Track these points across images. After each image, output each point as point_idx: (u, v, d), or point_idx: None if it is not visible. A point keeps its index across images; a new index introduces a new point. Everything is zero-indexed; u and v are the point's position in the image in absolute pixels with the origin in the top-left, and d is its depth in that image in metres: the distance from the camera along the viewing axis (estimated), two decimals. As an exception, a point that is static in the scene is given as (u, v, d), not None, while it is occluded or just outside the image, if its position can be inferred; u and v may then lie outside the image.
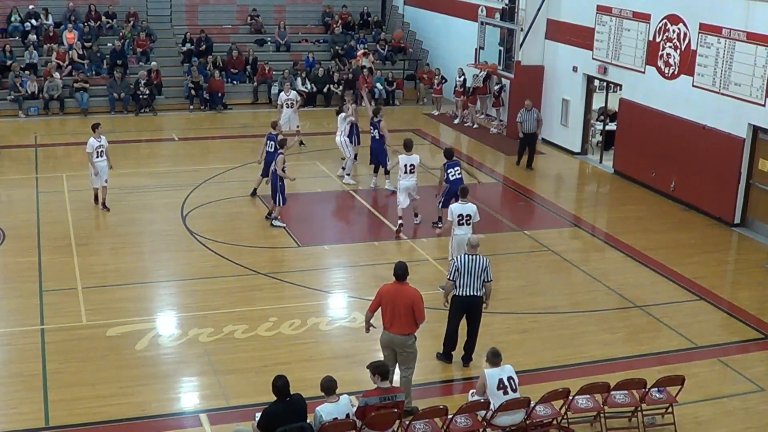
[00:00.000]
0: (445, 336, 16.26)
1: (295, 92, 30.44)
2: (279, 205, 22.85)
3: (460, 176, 22.00)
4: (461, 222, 19.15)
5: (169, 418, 14.46)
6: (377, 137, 26.41)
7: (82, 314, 17.89)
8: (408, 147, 23.36)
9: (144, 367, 15.89)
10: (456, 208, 19.31)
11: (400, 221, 22.91)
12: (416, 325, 14.34)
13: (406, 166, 23.04)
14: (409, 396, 14.46)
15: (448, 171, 22.03)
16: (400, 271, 14.39)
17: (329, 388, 12.50)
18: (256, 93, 38.29)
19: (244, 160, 28.89)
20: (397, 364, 14.56)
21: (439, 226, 22.56)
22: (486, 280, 15.75)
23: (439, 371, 16.05)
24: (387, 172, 26.51)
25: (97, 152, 23.55)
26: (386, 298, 14.29)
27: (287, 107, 29.62)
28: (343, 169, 27.44)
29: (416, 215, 23.60)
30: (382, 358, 14.21)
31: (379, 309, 14.40)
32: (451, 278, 15.71)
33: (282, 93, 30.16)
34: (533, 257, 21.65)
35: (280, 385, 12.17)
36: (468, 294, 15.74)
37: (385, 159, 26.44)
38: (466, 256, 15.74)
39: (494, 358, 13.51)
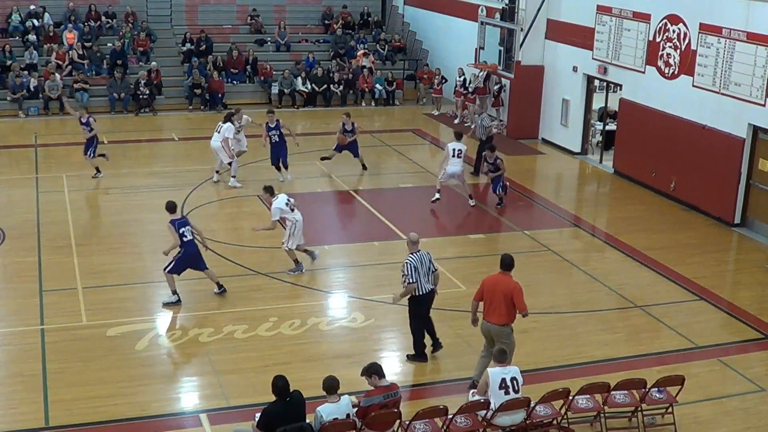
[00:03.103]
0: (414, 338, 16.33)
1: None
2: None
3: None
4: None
5: (169, 418, 14.46)
6: (277, 140, 26.77)
7: (82, 314, 17.90)
8: (458, 137, 25.74)
9: (144, 367, 15.90)
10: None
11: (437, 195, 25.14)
12: (513, 317, 14.74)
13: (454, 150, 24.97)
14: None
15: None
16: (508, 260, 14.92)
17: (332, 387, 12.51)
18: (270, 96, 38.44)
19: (245, 160, 28.87)
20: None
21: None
22: (433, 270, 16.08)
23: (439, 371, 16.05)
24: (287, 166, 27.29)
25: None
26: (487, 287, 14.78)
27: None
28: (218, 172, 27.20)
29: (470, 197, 25.44)
30: (500, 349, 14.28)
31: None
32: (412, 280, 15.76)
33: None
34: (533, 257, 21.65)
35: (281, 385, 12.18)
36: (427, 291, 16.00)
37: (287, 157, 27.22)
38: (416, 254, 15.91)
39: (500, 356, 13.51)
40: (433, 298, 16.26)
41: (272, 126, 26.55)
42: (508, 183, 25.91)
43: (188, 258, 18.38)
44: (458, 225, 24.30)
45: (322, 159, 28.53)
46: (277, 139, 26.66)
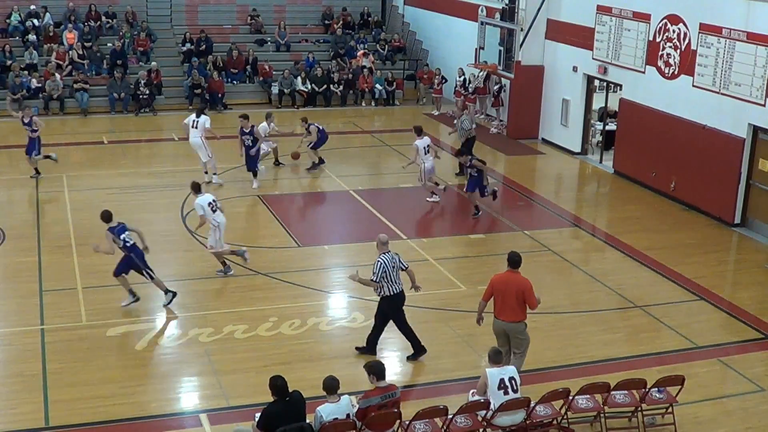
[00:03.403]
0: (374, 335, 16.40)
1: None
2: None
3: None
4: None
5: (169, 418, 14.46)
6: (250, 144, 26.27)
7: (82, 314, 17.90)
8: (420, 131, 25.66)
9: (144, 367, 15.91)
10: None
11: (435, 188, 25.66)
12: (526, 313, 14.82)
13: (425, 148, 25.17)
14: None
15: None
16: (516, 258, 14.92)
17: (331, 387, 12.51)
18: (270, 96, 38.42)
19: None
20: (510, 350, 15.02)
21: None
22: (403, 268, 16.13)
23: (439, 371, 16.04)
24: (255, 174, 26.69)
25: None
26: (498, 286, 14.79)
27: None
28: (207, 172, 27.03)
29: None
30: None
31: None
32: (377, 279, 15.80)
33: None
34: (533, 257, 21.62)
35: (279, 384, 12.18)
36: (398, 291, 16.05)
37: (255, 164, 26.61)
38: (386, 255, 15.94)
39: (496, 357, 13.53)
40: (404, 298, 16.26)
41: (246, 131, 26.18)
42: (495, 188, 25.31)
43: (132, 261, 18.17)
44: (458, 225, 24.29)
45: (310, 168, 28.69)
46: (250, 144, 26.22)
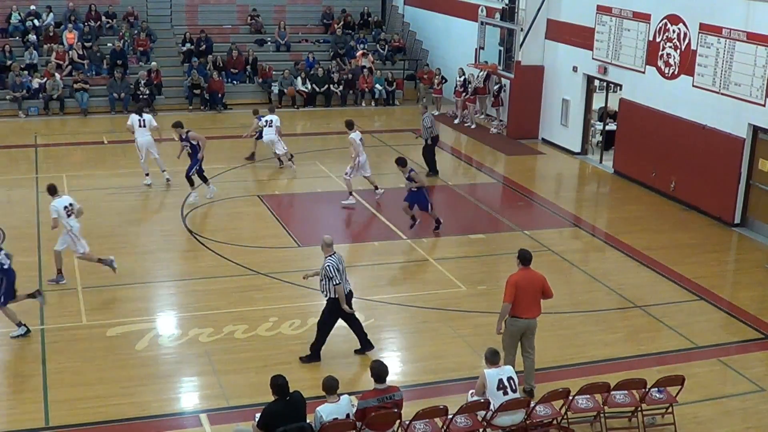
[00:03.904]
0: (320, 340, 16.17)
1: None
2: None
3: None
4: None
5: (169, 418, 14.46)
6: (190, 151, 25.15)
7: (82, 314, 17.91)
8: (351, 125, 25.74)
9: (144, 367, 15.89)
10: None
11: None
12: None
13: (361, 141, 25.44)
14: (533, 376, 15.12)
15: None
16: (529, 255, 15.10)
17: (331, 387, 12.52)
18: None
19: (244, 159, 28.91)
20: (520, 349, 15.09)
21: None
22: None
23: (438, 371, 16.03)
24: (191, 182, 25.17)
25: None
26: (522, 285, 14.80)
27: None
28: (165, 170, 26.79)
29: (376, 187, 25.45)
30: (503, 349, 14.65)
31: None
32: (339, 281, 15.68)
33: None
34: (534, 257, 21.59)
35: (280, 383, 12.20)
36: (347, 291, 16.01)
37: (191, 170, 25.03)
38: (333, 256, 15.84)
39: (493, 358, 13.52)
40: (352, 296, 16.29)
41: (183, 137, 25.26)
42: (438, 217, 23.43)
43: (10, 284, 17.38)
44: (458, 225, 24.25)
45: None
46: (190, 150, 25.12)
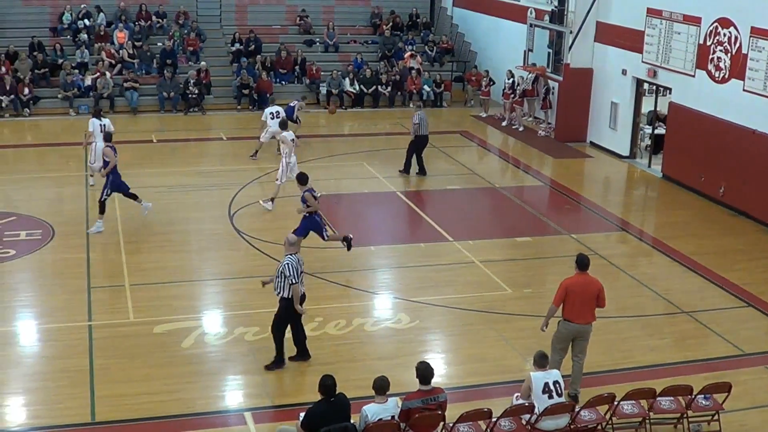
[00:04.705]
0: (279, 344, 15.88)
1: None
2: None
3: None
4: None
5: (213, 415, 14.53)
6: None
7: (129, 311, 18.04)
8: (283, 125, 25.95)
9: (189, 365, 15.98)
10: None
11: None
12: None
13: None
14: (579, 382, 15.03)
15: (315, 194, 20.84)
16: (587, 260, 15.01)
17: (381, 387, 12.52)
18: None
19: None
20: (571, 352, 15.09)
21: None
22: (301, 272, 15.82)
23: (482, 374, 16.01)
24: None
25: None
26: (575, 289, 14.76)
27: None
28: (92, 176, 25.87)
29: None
30: (552, 349, 14.75)
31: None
32: (295, 281, 15.40)
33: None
34: (580, 261, 21.55)
35: (328, 383, 12.23)
36: (300, 293, 15.66)
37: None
38: (294, 255, 15.62)
39: (541, 361, 13.48)
40: (305, 300, 15.95)
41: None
42: (348, 235, 21.44)
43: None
44: (505, 227, 24.21)
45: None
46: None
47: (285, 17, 42.56)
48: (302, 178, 20.82)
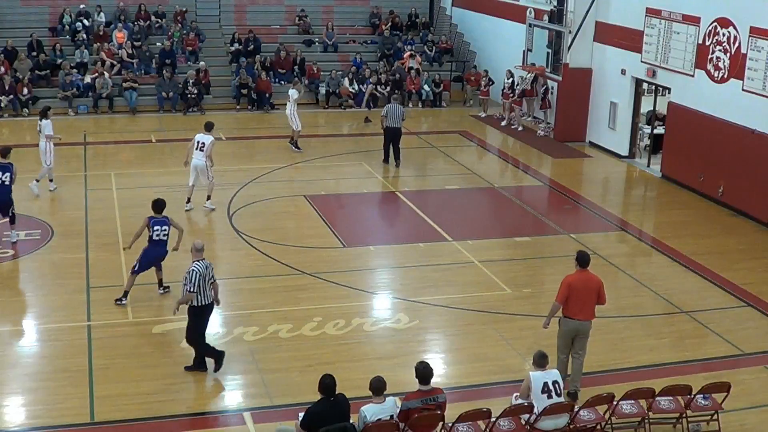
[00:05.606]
0: (202, 348, 15.79)
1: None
2: None
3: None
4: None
5: (212, 415, 14.55)
6: (6, 183, 21.48)
7: (128, 311, 18.04)
8: (208, 128, 24.32)
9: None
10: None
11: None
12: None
13: (198, 143, 24.00)
14: (579, 379, 15.08)
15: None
16: (588, 258, 15.14)
17: (378, 388, 12.52)
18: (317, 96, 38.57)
19: (291, 160, 29.00)
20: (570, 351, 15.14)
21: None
22: (213, 281, 15.70)
23: (482, 374, 16.00)
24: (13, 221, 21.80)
25: None
26: (577, 287, 14.84)
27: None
28: (38, 181, 25.42)
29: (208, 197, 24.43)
30: (557, 349, 14.92)
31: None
32: (193, 289, 15.22)
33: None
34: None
35: (328, 383, 12.23)
36: (208, 302, 15.56)
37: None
38: (200, 262, 15.42)
39: (541, 360, 13.47)
40: (212, 310, 15.88)
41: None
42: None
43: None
44: (504, 227, 24.22)
45: None
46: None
47: (284, 17, 42.57)
48: (156, 205, 19.23)
